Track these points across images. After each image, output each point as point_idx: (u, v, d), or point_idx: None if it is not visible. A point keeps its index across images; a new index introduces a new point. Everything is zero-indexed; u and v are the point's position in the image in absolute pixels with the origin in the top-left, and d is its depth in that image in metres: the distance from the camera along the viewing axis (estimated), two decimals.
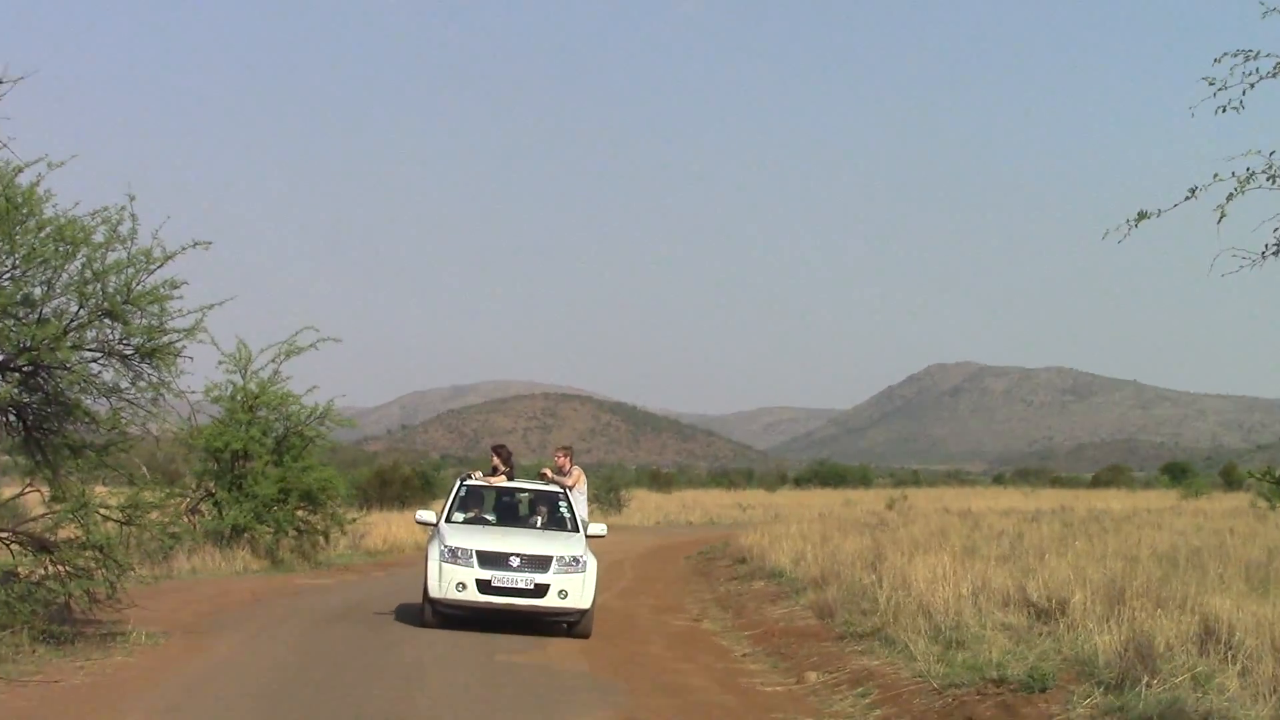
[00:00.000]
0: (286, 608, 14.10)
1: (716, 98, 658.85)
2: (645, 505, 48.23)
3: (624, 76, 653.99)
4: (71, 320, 10.33)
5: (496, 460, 13.89)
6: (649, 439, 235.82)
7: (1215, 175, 7.07)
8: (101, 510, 10.77)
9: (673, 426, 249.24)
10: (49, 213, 10.21)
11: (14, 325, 10.06)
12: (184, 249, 10.75)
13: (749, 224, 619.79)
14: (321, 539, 20.57)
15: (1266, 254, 6.83)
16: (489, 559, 12.12)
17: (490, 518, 13.62)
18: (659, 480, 76.54)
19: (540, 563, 12.15)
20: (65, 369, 10.35)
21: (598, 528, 13.52)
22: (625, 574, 20.06)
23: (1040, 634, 10.00)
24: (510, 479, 13.95)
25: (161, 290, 10.56)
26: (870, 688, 9.21)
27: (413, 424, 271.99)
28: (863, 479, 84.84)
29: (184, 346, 10.94)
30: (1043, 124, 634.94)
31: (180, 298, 10.77)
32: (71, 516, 10.41)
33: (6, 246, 9.95)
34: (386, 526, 25.80)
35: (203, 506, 19.57)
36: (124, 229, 10.40)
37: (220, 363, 19.52)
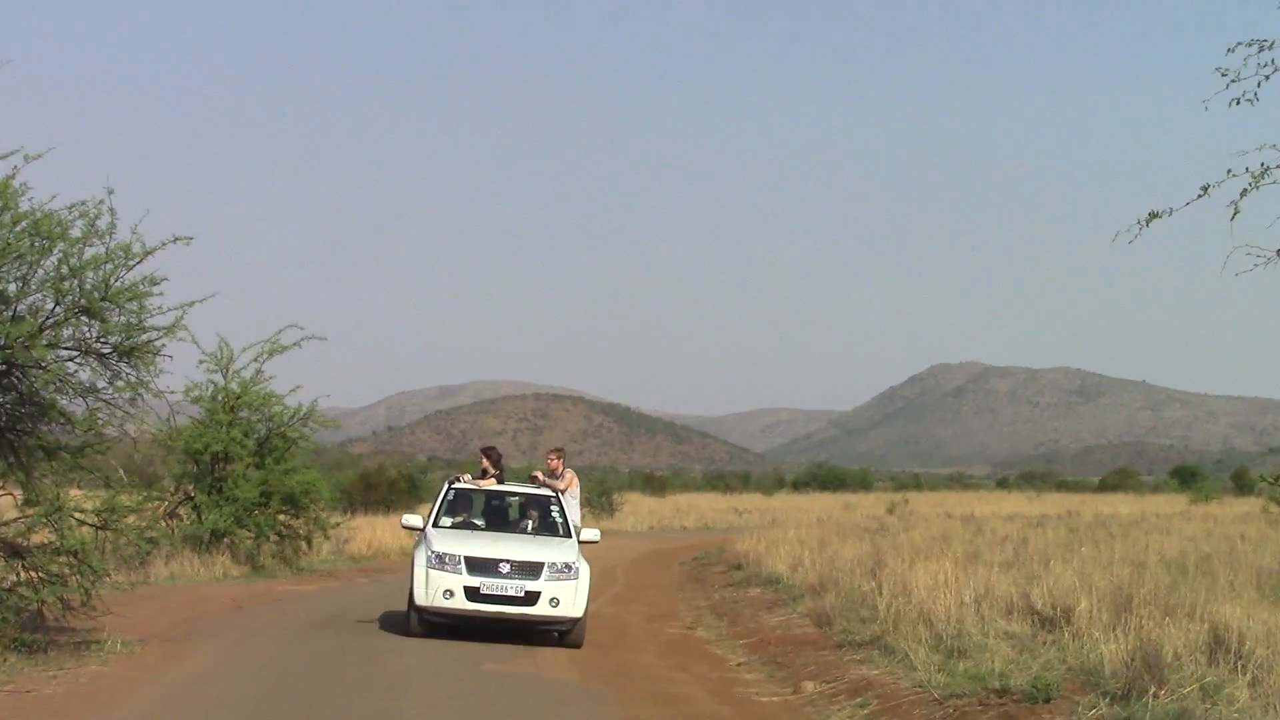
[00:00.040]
0: (268, 615, 13.91)
1: (714, 95, 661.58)
2: (638, 509, 48.12)
3: (620, 74, 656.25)
4: (47, 318, 10.12)
5: (486, 463, 13.65)
6: (642, 441, 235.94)
7: (1229, 171, 6.92)
8: (76, 514, 10.56)
9: (667, 428, 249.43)
10: (24, 206, 9.99)
11: None
12: (164, 244, 10.53)
13: (746, 219, 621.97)
14: (304, 544, 20.34)
15: None
16: (478, 565, 11.83)
17: (479, 522, 13.31)
18: (653, 483, 76.56)
19: (531, 569, 11.86)
20: (40, 368, 10.12)
21: (591, 533, 13.26)
22: (617, 580, 19.96)
23: (1044, 643, 9.95)
24: (500, 482, 13.70)
25: (140, 287, 10.33)
26: (869, 698, 9.10)
27: (399, 425, 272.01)
28: (863, 483, 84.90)
29: (163, 345, 10.70)
30: (1047, 118, 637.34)
31: (160, 295, 10.55)
32: (45, 521, 10.20)
33: None
34: (371, 531, 25.66)
35: (181, 510, 19.35)
36: (102, 224, 10.19)
37: (201, 362, 19.29)
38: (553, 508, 13.34)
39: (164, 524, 18.10)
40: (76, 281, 10.06)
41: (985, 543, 21.30)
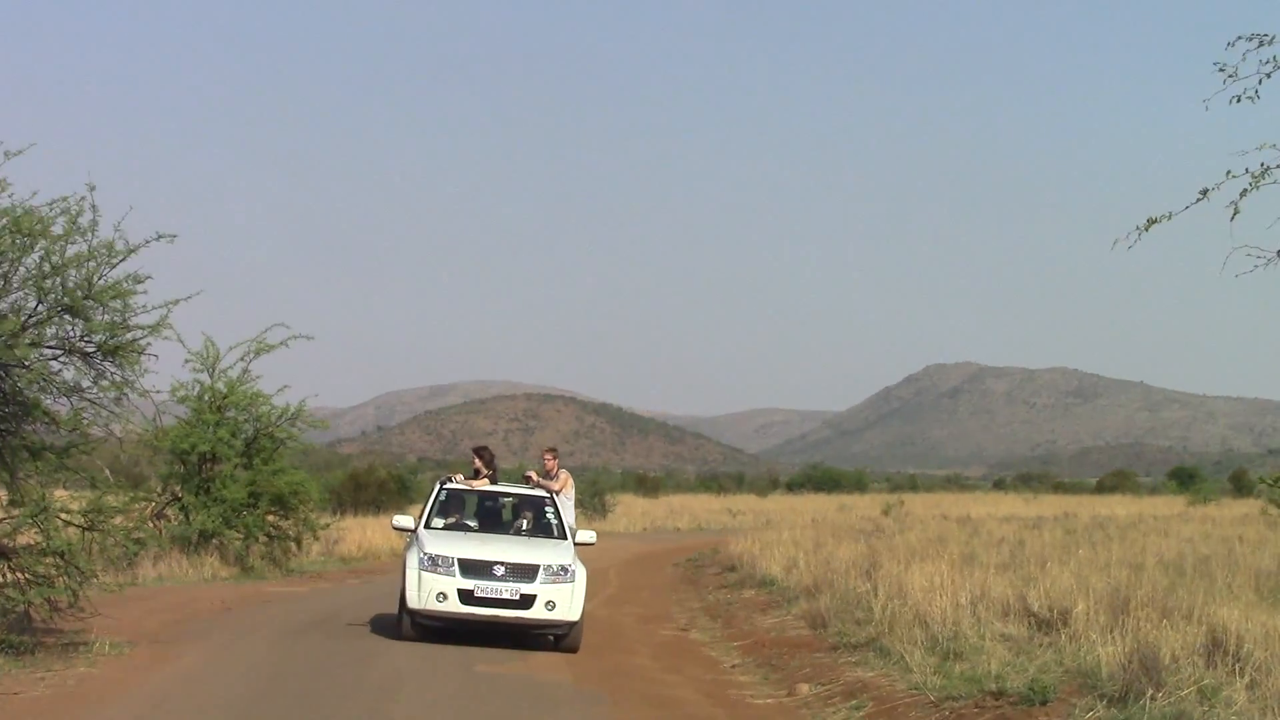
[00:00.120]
0: (257, 617, 13.81)
1: (711, 93, 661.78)
2: (631, 510, 48.09)
3: (618, 73, 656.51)
4: (30, 316, 10.01)
5: (478, 463, 13.48)
6: (635, 441, 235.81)
7: (1228, 173, 6.87)
8: (62, 515, 10.45)
9: (660, 428, 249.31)
10: (4, 203, 9.89)
11: None
12: (147, 242, 10.41)
13: (741, 219, 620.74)
14: (293, 545, 20.22)
15: None
16: (472, 568, 11.65)
17: (472, 524, 13.15)
18: (646, 484, 76.43)
19: (526, 572, 11.68)
20: (24, 367, 10.00)
21: (587, 535, 13.06)
22: (610, 582, 19.88)
23: (1041, 645, 9.92)
24: (493, 482, 13.54)
25: (124, 285, 10.23)
26: (864, 700, 9.05)
27: (388, 425, 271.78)
28: (858, 484, 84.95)
29: (148, 344, 10.60)
30: (1044, 117, 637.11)
31: (144, 293, 10.45)
32: (31, 521, 10.09)
33: None
34: (361, 532, 25.56)
35: (169, 511, 19.21)
36: (84, 220, 10.09)
37: (187, 361, 19.14)
38: (547, 509, 13.20)
39: (151, 525, 18.02)
40: (59, 279, 9.96)
41: (981, 544, 21.28)
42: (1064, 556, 17.43)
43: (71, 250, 10.04)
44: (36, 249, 9.87)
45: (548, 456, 14.32)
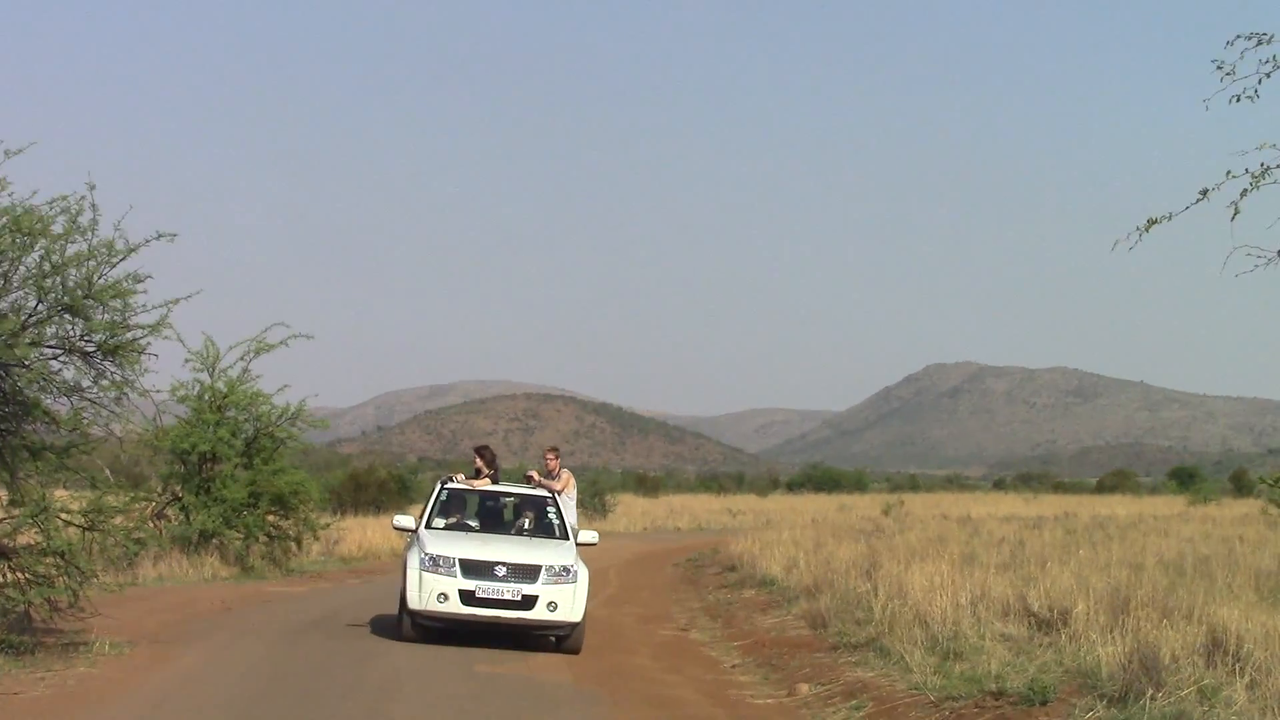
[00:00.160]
0: (257, 617, 13.80)
1: (711, 93, 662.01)
2: (631, 510, 48.08)
3: (618, 73, 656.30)
4: (30, 315, 9.99)
5: (479, 462, 13.44)
6: (635, 441, 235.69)
7: (1228, 173, 6.87)
8: (63, 515, 10.44)
9: (660, 428, 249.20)
10: (4, 202, 9.87)
11: None
12: (148, 241, 10.40)
13: (741, 219, 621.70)
14: (293, 545, 20.21)
15: None
16: (473, 568, 11.59)
17: (473, 524, 13.09)
18: (646, 484, 76.45)
19: (528, 572, 11.63)
20: (23, 367, 9.99)
21: (589, 535, 13.04)
22: (610, 582, 19.86)
23: (1041, 645, 9.91)
24: (495, 482, 13.50)
25: (125, 284, 10.21)
26: (864, 700, 9.04)
27: (388, 425, 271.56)
28: (858, 484, 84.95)
29: (148, 343, 10.58)
30: (1044, 117, 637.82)
31: (144, 292, 10.43)
32: (31, 521, 10.07)
33: None
34: (361, 532, 25.55)
35: (169, 511, 19.19)
36: (84, 220, 10.07)
37: (187, 360, 19.11)
38: (549, 509, 13.16)
39: (151, 525, 17.99)
40: (59, 279, 9.94)
41: (981, 544, 21.26)
42: (1064, 556, 17.41)
43: (71, 249, 10.03)
44: (37, 248, 9.86)
45: (549, 456, 14.27)
